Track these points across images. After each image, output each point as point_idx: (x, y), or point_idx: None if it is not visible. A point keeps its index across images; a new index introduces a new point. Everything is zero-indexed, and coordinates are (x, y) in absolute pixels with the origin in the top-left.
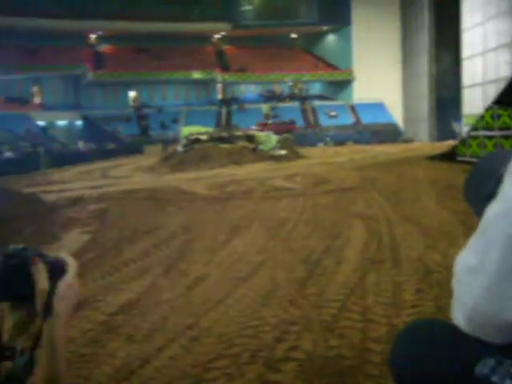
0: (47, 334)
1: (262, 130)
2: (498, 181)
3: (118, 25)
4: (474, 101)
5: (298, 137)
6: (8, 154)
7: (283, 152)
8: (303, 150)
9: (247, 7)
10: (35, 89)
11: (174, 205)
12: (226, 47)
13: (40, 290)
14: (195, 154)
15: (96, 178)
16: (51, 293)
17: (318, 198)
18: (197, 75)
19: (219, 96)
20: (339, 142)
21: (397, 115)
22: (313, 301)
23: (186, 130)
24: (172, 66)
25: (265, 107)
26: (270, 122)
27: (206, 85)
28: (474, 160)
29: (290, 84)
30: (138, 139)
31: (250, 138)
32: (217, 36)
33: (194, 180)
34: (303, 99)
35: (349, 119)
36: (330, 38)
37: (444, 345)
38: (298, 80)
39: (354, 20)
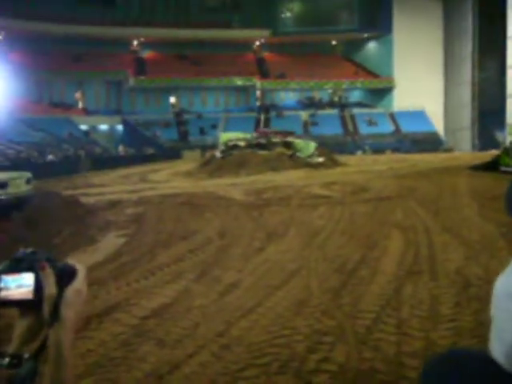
0: (53, 340)
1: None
2: None
3: (160, 32)
4: None
5: (337, 144)
6: (50, 157)
7: (321, 159)
8: (341, 158)
9: (287, 14)
10: (78, 94)
11: (210, 210)
12: (265, 54)
13: (47, 295)
14: (233, 160)
15: (135, 182)
16: (59, 299)
17: (356, 206)
18: (236, 82)
19: (258, 103)
20: (378, 151)
21: (437, 124)
22: (347, 311)
23: (225, 136)
24: (212, 72)
25: (303, 114)
26: (268, 130)
27: (246, 91)
28: None
29: (330, 91)
30: (176, 144)
31: (287, 145)
32: (257, 43)
33: (232, 186)
34: (342, 106)
35: (388, 127)
36: (371, 45)
37: (476, 381)
38: (338, 87)
39: (396, 27)
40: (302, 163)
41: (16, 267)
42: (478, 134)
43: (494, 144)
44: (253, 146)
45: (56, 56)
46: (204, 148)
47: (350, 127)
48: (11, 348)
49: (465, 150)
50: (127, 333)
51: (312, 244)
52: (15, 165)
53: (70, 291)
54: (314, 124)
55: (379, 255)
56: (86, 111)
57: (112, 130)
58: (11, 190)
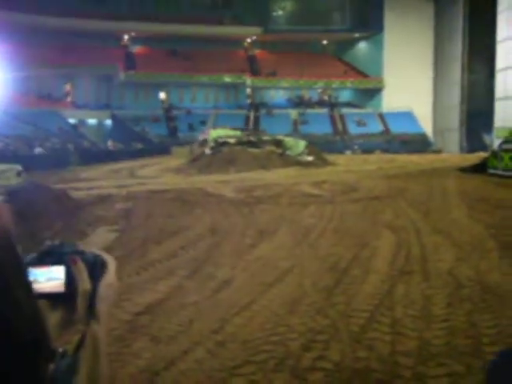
0: (91, 337)
1: None
2: None
3: (151, 26)
4: (507, 114)
5: (326, 144)
6: (39, 150)
7: (310, 158)
8: (330, 157)
9: (279, 12)
10: (67, 87)
11: (200, 207)
12: (256, 51)
13: (82, 291)
14: (222, 156)
15: (124, 177)
16: (93, 294)
17: (346, 205)
18: (226, 79)
19: (248, 100)
20: (367, 151)
21: (426, 125)
22: (340, 310)
23: (215, 133)
24: (202, 68)
25: (293, 113)
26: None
27: (236, 88)
28: (507, 173)
29: (319, 90)
30: (166, 140)
31: (277, 143)
32: (248, 40)
33: (221, 183)
34: (332, 106)
35: (377, 128)
36: (361, 45)
37: None
38: (328, 86)
39: (387, 27)
40: (291, 162)
41: (44, 260)
42: (466, 135)
43: (482, 146)
44: (243, 143)
45: (45, 48)
46: (193, 144)
47: (340, 127)
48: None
49: (453, 152)
50: (121, 328)
51: (304, 242)
52: (3, 157)
53: (104, 285)
54: (304, 123)
55: (371, 255)
56: (75, 105)
57: (101, 124)
58: (1, 182)
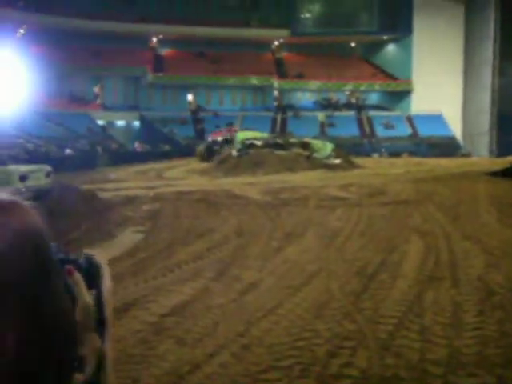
0: (103, 348)
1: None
2: None
3: (179, 29)
4: None
5: (353, 146)
6: (68, 152)
7: (338, 161)
8: (357, 160)
9: (307, 15)
10: (97, 89)
11: (227, 209)
12: (284, 54)
13: (81, 306)
14: (249, 159)
15: (151, 178)
16: (99, 304)
17: (374, 209)
18: (254, 81)
19: (275, 102)
20: (394, 154)
21: (455, 128)
22: (368, 315)
23: (242, 135)
24: (230, 71)
25: (320, 115)
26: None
27: (263, 91)
28: None
29: (347, 93)
30: (193, 142)
31: (304, 146)
32: (275, 43)
33: (248, 185)
34: (359, 109)
35: (405, 131)
36: (390, 48)
37: None
38: (355, 89)
39: (416, 30)
40: (318, 164)
41: None
42: (496, 139)
43: None
44: (270, 145)
45: (76, 51)
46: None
47: (367, 129)
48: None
49: (482, 156)
50: (146, 330)
51: (331, 245)
52: (34, 158)
53: (105, 293)
54: (331, 125)
55: (399, 259)
56: (104, 106)
57: (129, 125)
58: (31, 182)
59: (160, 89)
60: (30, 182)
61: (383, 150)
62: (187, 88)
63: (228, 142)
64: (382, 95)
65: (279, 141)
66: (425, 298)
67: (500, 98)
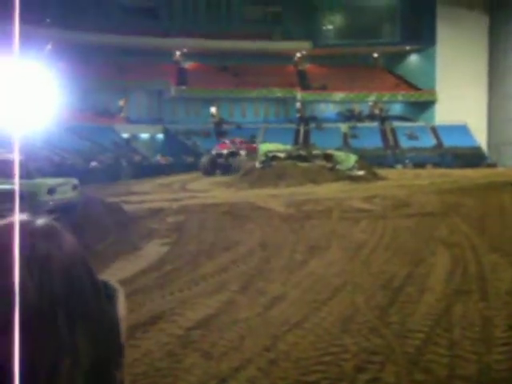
0: (121, 374)
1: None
2: None
3: (202, 43)
4: None
5: (376, 158)
6: (93, 164)
7: (361, 172)
8: (381, 172)
9: (329, 26)
10: (122, 101)
11: (251, 221)
12: (306, 66)
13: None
14: (273, 171)
15: (175, 190)
16: (117, 330)
17: (398, 221)
18: (277, 93)
19: (298, 114)
20: (418, 165)
21: (480, 138)
22: (395, 330)
23: (265, 147)
24: (252, 83)
25: (343, 127)
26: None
27: (286, 103)
28: None
29: (370, 104)
30: None
31: (327, 157)
32: (298, 55)
33: (272, 197)
34: (383, 120)
35: (429, 141)
36: (413, 58)
37: None
38: (378, 100)
39: (439, 40)
40: (342, 176)
41: None
42: None
43: None
44: (293, 157)
45: (101, 65)
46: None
47: (391, 140)
48: None
49: (508, 166)
50: (173, 343)
51: (355, 258)
52: (60, 171)
53: (122, 318)
54: (354, 137)
55: (426, 272)
56: (128, 120)
57: (153, 138)
58: (58, 196)
59: (183, 102)
60: (57, 196)
61: (407, 161)
62: (210, 101)
63: (234, 154)
64: (405, 106)
65: (302, 153)
66: (453, 311)
67: None
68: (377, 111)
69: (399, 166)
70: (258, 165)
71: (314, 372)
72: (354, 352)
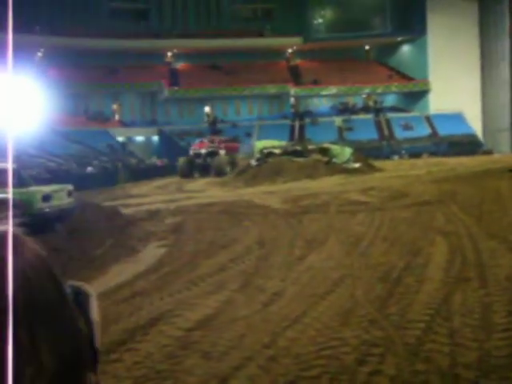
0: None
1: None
2: None
3: (193, 42)
4: None
5: (372, 149)
6: (89, 169)
7: (357, 165)
8: (377, 163)
9: (319, 20)
10: (116, 105)
11: (248, 219)
12: (298, 61)
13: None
14: (268, 167)
15: (172, 192)
16: (91, 335)
17: (396, 212)
18: (270, 90)
19: (292, 110)
20: (415, 155)
21: (476, 126)
22: (395, 321)
23: (260, 144)
24: (245, 81)
25: (337, 120)
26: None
27: (279, 99)
28: None
29: (364, 96)
30: None
31: (323, 152)
32: (289, 50)
33: (268, 194)
34: (377, 111)
35: (425, 131)
36: (405, 49)
37: None
38: (372, 92)
39: (430, 29)
40: (338, 169)
41: None
42: None
43: None
44: (288, 153)
45: (92, 70)
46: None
47: (386, 132)
48: None
49: (504, 152)
50: (172, 345)
51: (354, 251)
52: (55, 177)
53: (95, 323)
54: (349, 129)
55: (424, 262)
56: (123, 123)
57: (147, 141)
58: (54, 202)
59: (177, 103)
60: (53, 202)
61: (403, 151)
62: (204, 100)
63: (213, 154)
64: (399, 97)
65: (297, 148)
66: (452, 300)
67: None
68: (371, 103)
69: (395, 157)
70: (253, 162)
71: (314, 367)
72: (354, 345)
